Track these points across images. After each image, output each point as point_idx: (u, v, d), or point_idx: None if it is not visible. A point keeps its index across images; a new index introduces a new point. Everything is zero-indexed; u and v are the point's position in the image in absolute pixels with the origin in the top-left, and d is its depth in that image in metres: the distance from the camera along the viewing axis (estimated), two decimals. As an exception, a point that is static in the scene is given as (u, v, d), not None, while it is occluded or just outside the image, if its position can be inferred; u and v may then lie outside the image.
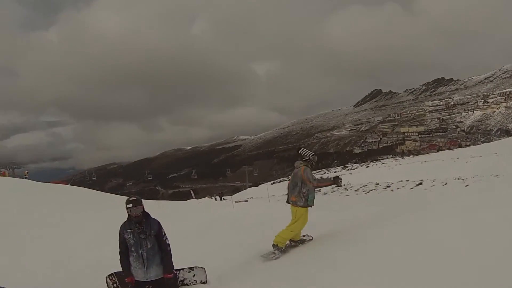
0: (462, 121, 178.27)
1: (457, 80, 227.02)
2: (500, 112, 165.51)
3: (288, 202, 6.32)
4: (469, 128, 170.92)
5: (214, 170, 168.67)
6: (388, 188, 23.76)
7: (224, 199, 38.63)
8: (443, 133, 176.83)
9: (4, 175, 36.81)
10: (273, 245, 5.87)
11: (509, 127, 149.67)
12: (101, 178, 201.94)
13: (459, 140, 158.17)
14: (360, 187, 26.86)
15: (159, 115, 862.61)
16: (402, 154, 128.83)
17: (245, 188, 67.35)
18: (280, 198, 28.95)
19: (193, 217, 14.26)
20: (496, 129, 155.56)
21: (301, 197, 5.92)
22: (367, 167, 61.44)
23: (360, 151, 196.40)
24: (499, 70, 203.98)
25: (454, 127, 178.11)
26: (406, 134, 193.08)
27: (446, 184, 20.24)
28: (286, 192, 6.32)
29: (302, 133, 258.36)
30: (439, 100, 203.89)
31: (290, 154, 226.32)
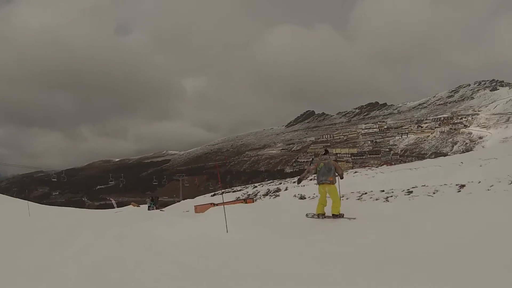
0: (395, 144, 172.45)
1: (391, 105, 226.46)
2: (435, 136, 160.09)
3: (321, 182, 8.25)
4: (402, 151, 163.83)
5: (142, 183, 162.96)
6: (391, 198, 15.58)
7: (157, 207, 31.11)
8: (377, 155, 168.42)
9: None
10: (338, 215, 7.94)
11: (444, 151, 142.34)
12: (27, 186, 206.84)
13: (393, 163, 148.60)
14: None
15: (82, 124, 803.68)
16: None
17: (179, 201, 55.44)
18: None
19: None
20: (430, 152, 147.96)
21: (335, 178, 8.24)
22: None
23: (291, 170, 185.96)
24: (433, 97, 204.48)
25: (387, 149, 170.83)
26: (338, 155, 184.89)
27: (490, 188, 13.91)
28: (313, 177, 9.54)
29: (233, 150, 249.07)
30: (372, 123, 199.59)
31: (220, 170, 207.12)
